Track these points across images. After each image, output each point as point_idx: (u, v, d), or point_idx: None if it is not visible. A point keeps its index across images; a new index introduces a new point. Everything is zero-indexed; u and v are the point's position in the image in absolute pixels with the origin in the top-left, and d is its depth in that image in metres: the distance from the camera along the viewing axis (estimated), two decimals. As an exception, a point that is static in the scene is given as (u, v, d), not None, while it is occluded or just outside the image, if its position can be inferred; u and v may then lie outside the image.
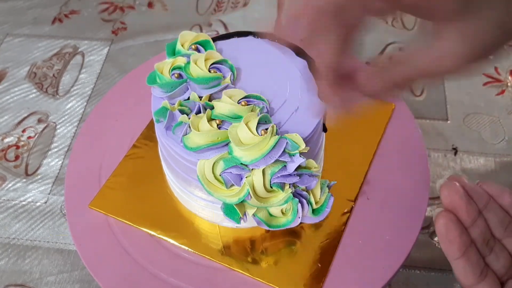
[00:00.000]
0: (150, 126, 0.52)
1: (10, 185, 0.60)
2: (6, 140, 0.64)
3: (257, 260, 0.43)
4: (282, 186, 0.36)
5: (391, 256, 0.43)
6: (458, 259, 0.31)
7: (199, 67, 0.39)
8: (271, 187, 0.36)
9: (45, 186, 0.59)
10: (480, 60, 0.28)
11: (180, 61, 0.41)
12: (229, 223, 0.44)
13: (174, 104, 0.39)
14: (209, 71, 0.39)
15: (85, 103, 0.68)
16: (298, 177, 0.36)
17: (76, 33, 0.78)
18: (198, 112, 0.38)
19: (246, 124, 0.36)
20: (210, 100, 0.39)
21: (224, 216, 0.37)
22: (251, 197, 0.36)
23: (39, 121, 0.66)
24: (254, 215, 0.38)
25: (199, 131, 0.36)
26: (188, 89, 0.40)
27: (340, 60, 0.31)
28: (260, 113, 0.37)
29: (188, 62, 0.40)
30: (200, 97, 0.39)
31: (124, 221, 0.46)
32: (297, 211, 0.37)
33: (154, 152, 0.49)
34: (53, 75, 0.72)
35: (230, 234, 0.45)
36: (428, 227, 0.55)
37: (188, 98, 0.40)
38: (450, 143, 0.62)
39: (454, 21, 0.26)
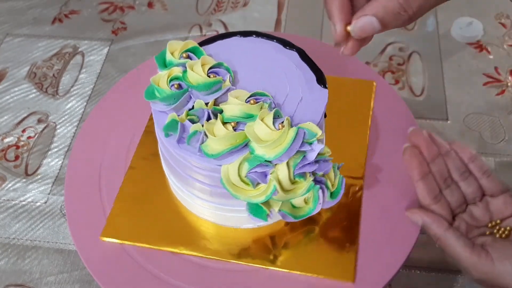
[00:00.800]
0: (147, 134, 0.52)
1: (10, 185, 0.60)
2: (6, 140, 0.64)
3: (278, 255, 0.44)
4: (304, 176, 0.37)
5: (391, 256, 0.44)
6: (418, 181, 0.42)
7: (198, 74, 0.39)
8: (295, 179, 0.37)
9: (45, 186, 0.59)
10: None
11: (176, 71, 0.39)
12: (249, 224, 0.45)
13: (180, 115, 0.38)
14: (208, 76, 0.39)
15: (85, 103, 0.68)
16: (317, 164, 0.37)
17: (76, 33, 0.78)
18: (208, 118, 0.37)
19: (262, 121, 0.36)
20: (215, 104, 0.39)
21: (250, 216, 0.38)
22: (277, 192, 0.36)
23: (39, 121, 0.66)
24: (279, 210, 0.38)
25: (215, 136, 0.36)
26: (191, 97, 0.39)
27: None
28: (270, 109, 0.38)
29: (185, 71, 0.39)
30: (206, 104, 0.39)
31: (142, 245, 0.45)
32: (319, 198, 0.38)
33: (150, 169, 0.48)
34: (53, 75, 0.72)
35: (248, 235, 0.45)
36: (428, 227, 0.55)
37: (192, 107, 0.39)
38: (450, 143, 0.62)
39: None
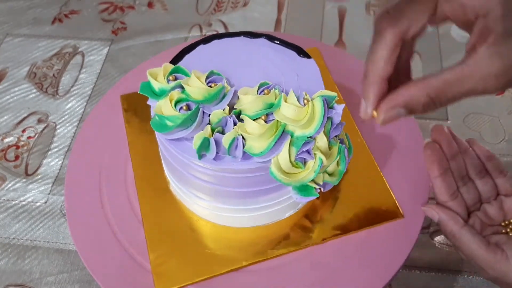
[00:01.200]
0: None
1: (10, 185, 0.60)
2: (6, 140, 0.64)
3: (314, 229, 0.45)
4: (335, 141, 0.38)
5: (391, 256, 0.44)
6: (437, 177, 0.42)
7: (200, 88, 0.37)
8: (330, 145, 0.38)
9: (45, 186, 0.59)
10: None
11: (176, 94, 0.38)
12: (280, 217, 0.45)
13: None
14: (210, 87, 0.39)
15: (85, 103, 0.68)
16: (340, 126, 0.38)
17: (76, 33, 0.78)
18: (234, 123, 0.37)
19: (287, 102, 0.37)
20: (230, 109, 0.39)
21: (300, 198, 0.38)
22: (322, 163, 0.37)
23: (39, 121, 0.66)
24: (323, 181, 0.39)
25: (254, 135, 0.36)
26: (204, 112, 0.38)
27: (391, 70, 0.32)
28: (280, 92, 0.38)
29: (183, 91, 0.38)
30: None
31: (200, 279, 0.43)
32: (345, 156, 0.39)
33: (161, 207, 0.47)
34: (53, 75, 0.72)
35: (285, 224, 0.46)
36: (428, 227, 0.55)
37: (209, 121, 0.38)
38: (450, 143, 0.62)
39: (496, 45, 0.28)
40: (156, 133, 0.40)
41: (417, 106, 0.31)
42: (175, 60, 0.43)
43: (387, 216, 0.46)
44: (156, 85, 0.39)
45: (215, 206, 0.43)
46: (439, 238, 0.54)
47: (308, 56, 0.43)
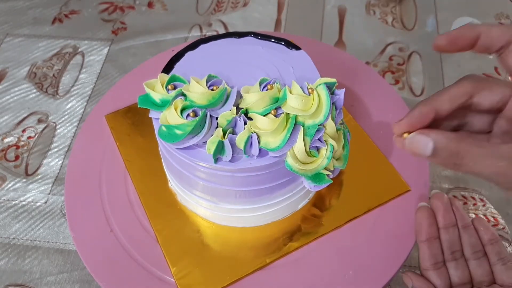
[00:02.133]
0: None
1: (10, 185, 0.60)
2: (6, 140, 0.64)
3: (326, 217, 0.46)
4: (340, 126, 0.39)
5: (391, 256, 0.44)
6: (422, 242, 0.40)
7: (203, 93, 0.37)
8: (337, 130, 0.38)
9: (45, 186, 0.59)
10: None
11: (181, 102, 0.37)
12: (286, 213, 0.46)
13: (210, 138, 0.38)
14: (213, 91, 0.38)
15: (85, 103, 0.68)
16: (341, 111, 0.39)
17: (76, 33, 0.78)
18: (244, 123, 0.37)
19: (292, 93, 0.37)
20: (236, 110, 0.38)
21: (314, 187, 0.39)
22: (333, 148, 0.37)
23: (39, 121, 0.66)
24: (334, 167, 0.40)
25: (268, 130, 0.36)
26: (211, 116, 0.38)
27: (448, 109, 0.31)
28: (281, 86, 0.39)
29: (186, 98, 0.38)
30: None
31: (228, 283, 0.42)
32: (348, 139, 0.40)
33: (173, 221, 0.46)
34: (53, 75, 0.72)
35: (293, 220, 0.46)
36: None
37: (217, 125, 0.37)
38: (450, 143, 0.62)
39: None
40: (161, 144, 0.40)
41: (441, 152, 0.29)
42: (166, 70, 0.42)
43: (395, 191, 0.46)
44: (157, 96, 0.38)
45: (230, 208, 0.43)
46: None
47: (298, 48, 0.43)
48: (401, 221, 0.45)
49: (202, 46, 0.44)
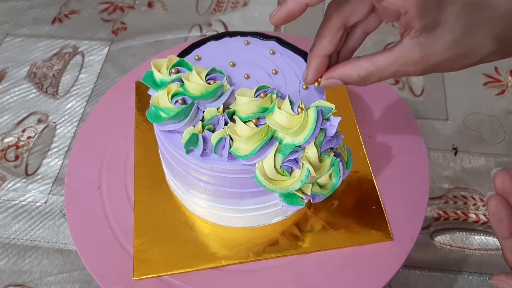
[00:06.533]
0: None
1: (10, 185, 0.60)
2: (6, 140, 0.64)
3: (303, 239, 0.45)
4: (328, 153, 0.38)
5: (391, 256, 0.44)
6: (507, 238, 0.33)
7: (198, 84, 0.37)
8: (322, 157, 0.37)
9: (45, 186, 0.59)
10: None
11: (175, 87, 0.38)
12: (276, 219, 0.45)
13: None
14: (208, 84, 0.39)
15: (85, 103, 0.68)
16: (335, 138, 0.38)
17: (76, 33, 0.78)
18: (226, 123, 0.37)
19: (281, 109, 0.36)
20: (225, 108, 0.39)
21: (285, 207, 0.38)
22: (310, 174, 0.36)
23: (39, 121, 0.66)
24: (311, 191, 0.39)
25: (242, 137, 0.36)
26: (199, 108, 0.38)
27: (332, 49, 0.37)
28: (281, 98, 0.38)
29: (182, 85, 0.39)
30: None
31: (178, 271, 0.43)
32: (340, 170, 0.39)
33: (155, 196, 0.48)
34: (53, 75, 0.72)
35: (276, 229, 0.46)
36: (428, 227, 0.55)
37: (203, 118, 0.38)
38: (450, 143, 0.62)
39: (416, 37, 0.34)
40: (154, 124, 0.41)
41: (349, 81, 0.37)
42: (183, 54, 0.43)
43: (377, 238, 0.45)
44: (158, 76, 0.39)
45: (204, 202, 0.43)
46: (439, 238, 0.54)
47: None
48: (375, 267, 0.43)
49: (226, 39, 0.45)
